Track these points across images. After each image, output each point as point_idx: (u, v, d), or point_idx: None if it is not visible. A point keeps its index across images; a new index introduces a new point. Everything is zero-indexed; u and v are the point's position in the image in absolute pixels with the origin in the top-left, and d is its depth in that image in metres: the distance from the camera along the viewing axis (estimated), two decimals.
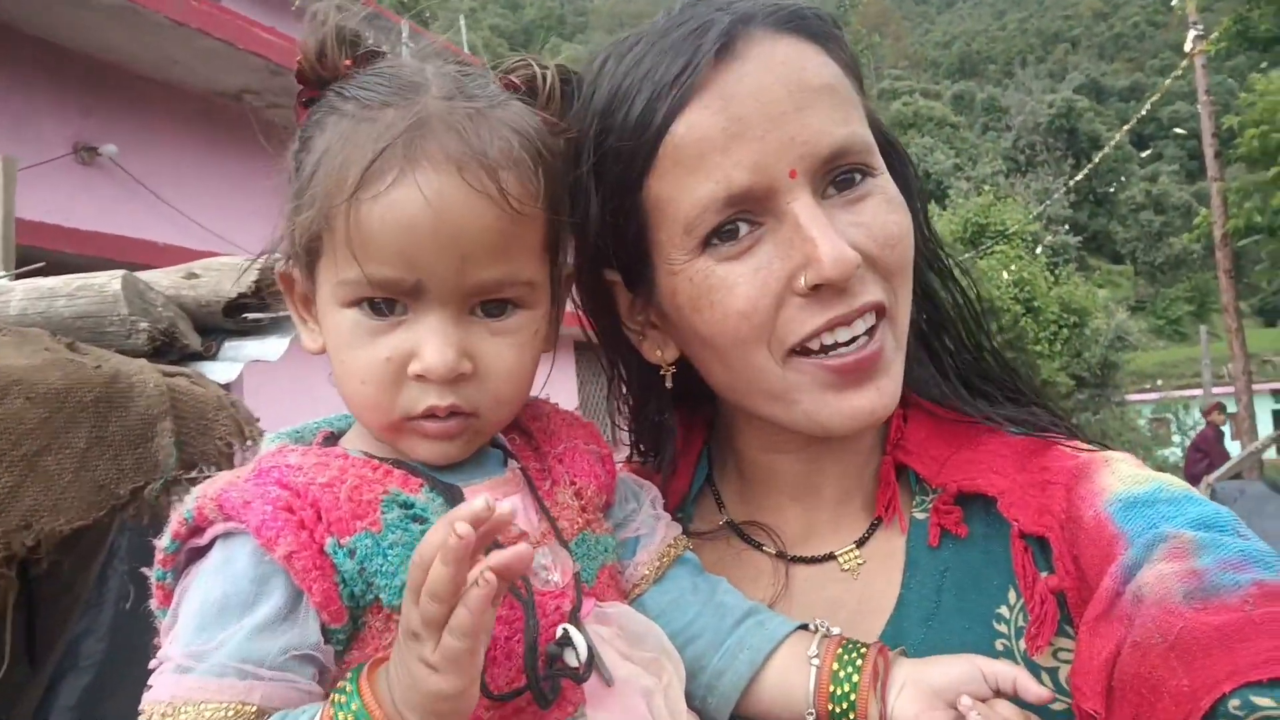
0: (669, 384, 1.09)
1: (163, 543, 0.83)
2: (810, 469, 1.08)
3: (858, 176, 0.95)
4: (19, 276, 2.79)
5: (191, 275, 2.55)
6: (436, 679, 0.69)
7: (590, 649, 0.84)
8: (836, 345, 0.93)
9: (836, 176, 0.94)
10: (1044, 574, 0.91)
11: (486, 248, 0.84)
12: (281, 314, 2.61)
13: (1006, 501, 0.96)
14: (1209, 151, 17.55)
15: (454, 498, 0.86)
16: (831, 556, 1.05)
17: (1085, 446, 1.00)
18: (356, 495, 0.82)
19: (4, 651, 1.75)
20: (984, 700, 0.85)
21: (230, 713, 0.73)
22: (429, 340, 0.85)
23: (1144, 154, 75.65)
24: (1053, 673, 0.90)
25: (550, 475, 0.97)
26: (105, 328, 2.30)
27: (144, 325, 2.29)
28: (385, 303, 0.85)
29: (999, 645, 0.93)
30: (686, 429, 1.19)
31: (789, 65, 0.93)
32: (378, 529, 0.81)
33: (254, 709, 0.74)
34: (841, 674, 0.90)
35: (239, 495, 0.80)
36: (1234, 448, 15.84)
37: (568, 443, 1.01)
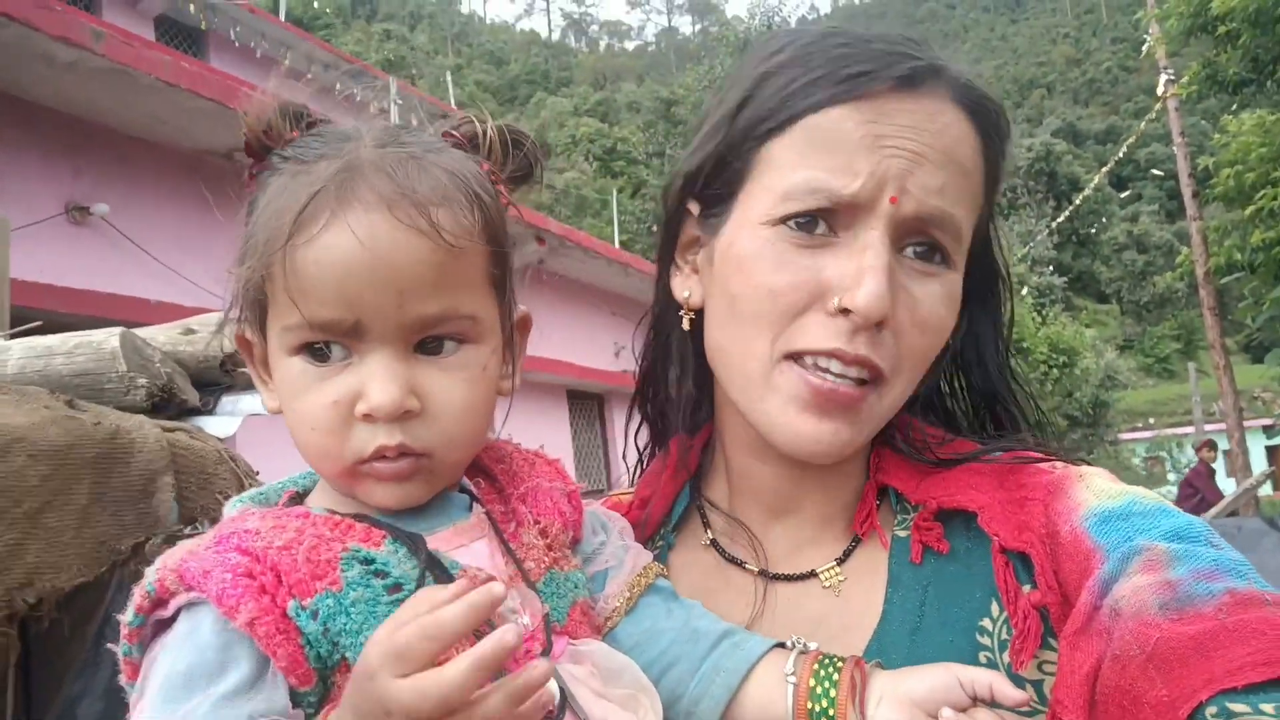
0: (686, 326, 1.13)
1: (127, 617, 0.82)
2: (791, 485, 1.10)
3: (938, 257, 0.99)
4: (15, 335, 2.79)
5: (189, 331, 2.57)
6: None
7: (563, 691, 0.83)
8: (827, 371, 0.97)
9: (917, 244, 0.98)
10: (1026, 588, 0.93)
11: (423, 282, 0.85)
12: None
13: (986, 517, 0.97)
14: (1187, 192, 17.83)
15: (417, 547, 0.86)
16: (813, 574, 1.06)
17: (1059, 462, 1.02)
18: (315, 555, 0.81)
19: (3, 713, 1.72)
20: (964, 710, 0.85)
21: None
22: (373, 379, 0.85)
23: (1123, 195, 76.78)
24: (1037, 685, 0.91)
25: (515, 517, 0.97)
26: (103, 385, 2.30)
27: (142, 381, 2.29)
28: (326, 346, 0.86)
29: (983, 658, 0.94)
30: (684, 451, 1.21)
31: (949, 130, 0.98)
32: (338, 588, 0.80)
33: None
34: (819, 689, 0.90)
35: (198, 565, 0.79)
36: (1229, 485, 15.83)
37: (530, 482, 1.01)
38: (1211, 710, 0.71)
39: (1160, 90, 18.38)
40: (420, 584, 0.82)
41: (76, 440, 1.83)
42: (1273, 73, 14.17)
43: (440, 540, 0.88)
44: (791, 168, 0.98)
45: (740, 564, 1.12)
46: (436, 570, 0.84)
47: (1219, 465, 15.44)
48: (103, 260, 7.73)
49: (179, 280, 7.91)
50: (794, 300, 0.97)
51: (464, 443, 0.92)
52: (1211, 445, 15.34)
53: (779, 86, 1.01)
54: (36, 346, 2.44)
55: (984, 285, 1.11)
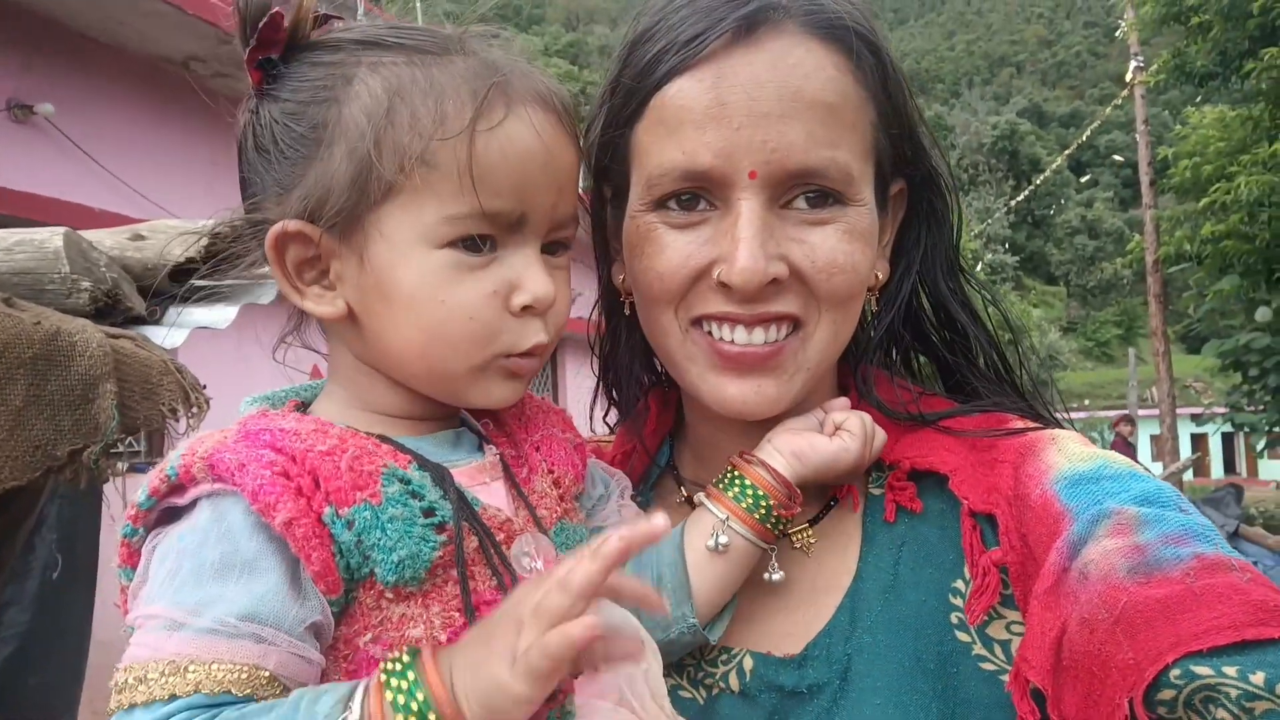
0: (627, 311, 1.12)
1: (138, 498, 0.80)
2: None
3: (829, 200, 0.97)
4: None
5: (138, 237, 2.46)
6: (507, 674, 0.68)
7: None
8: (728, 339, 0.98)
9: (805, 193, 0.96)
10: (992, 549, 0.94)
11: (569, 184, 0.91)
12: (231, 282, 2.54)
13: (958, 479, 0.98)
14: (1145, 179, 18.12)
15: (444, 479, 0.84)
16: (784, 535, 1.05)
17: (1033, 425, 1.02)
18: (358, 465, 0.79)
19: None
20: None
21: (244, 674, 0.71)
22: (530, 271, 0.86)
23: (1082, 179, 77.87)
24: (1005, 645, 0.92)
25: (527, 463, 0.96)
26: (44, 285, 2.20)
27: (86, 285, 2.20)
28: (481, 239, 0.85)
29: (954, 619, 0.95)
30: (660, 409, 1.20)
31: (797, 70, 0.93)
32: (378, 501, 0.78)
33: (267, 674, 0.72)
34: (724, 482, 0.99)
35: (233, 457, 0.77)
36: (1156, 468, 16.36)
37: (545, 430, 1.00)
38: (1176, 673, 0.72)
39: (1130, 76, 18.56)
40: (457, 518, 0.81)
41: (13, 339, 1.75)
42: (1238, 68, 14.37)
43: (461, 475, 0.87)
44: (651, 153, 0.97)
45: None
46: (464, 506, 0.83)
47: (1145, 448, 15.96)
48: (45, 162, 7.40)
49: (125, 189, 7.62)
50: (681, 277, 0.98)
51: (558, 340, 0.94)
52: (1129, 420, 15.81)
53: (634, 64, 0.99)
54: None
55: (923, 195, 1.09)
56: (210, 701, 0.70)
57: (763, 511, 0.97)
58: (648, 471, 1.19)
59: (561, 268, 0.93)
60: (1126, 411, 18.80)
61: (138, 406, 1.91)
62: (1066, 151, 25.62)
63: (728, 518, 0.97)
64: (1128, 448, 15.52)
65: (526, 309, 0.87)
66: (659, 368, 1.21)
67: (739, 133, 0.92)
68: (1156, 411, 19.87)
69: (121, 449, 2.12)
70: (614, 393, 1.22)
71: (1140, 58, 18.43)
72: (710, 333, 0.99)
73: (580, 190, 0.96)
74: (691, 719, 0.94)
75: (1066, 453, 0.94)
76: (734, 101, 0.92)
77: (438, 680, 0.70)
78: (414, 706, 0.69)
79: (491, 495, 0.89)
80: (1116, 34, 20.57)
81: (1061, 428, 1.04)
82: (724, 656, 1.00)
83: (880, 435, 1.03)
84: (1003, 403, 1.08)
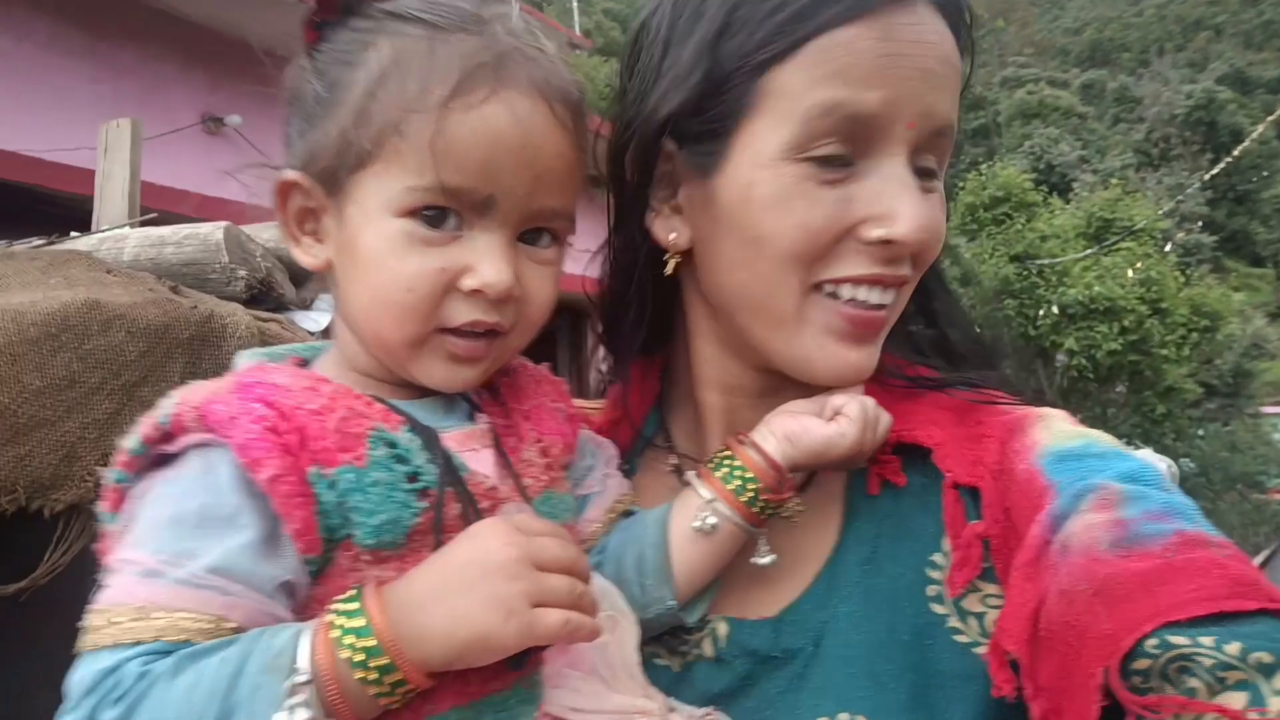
0: (669, 270, 1.06)
1: (129, 444, 0.79)
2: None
3: (936, 172, 0.98)
4: (140, 224, 2.95)
5: None
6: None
7: None
8: (859, 301, 0.95)
9: (929, 161, 0.96)
10: (973, 522, 0.93)
11: (555, 175, 0.88)
12: None
13: (942, 453, 0.97)
14: None
15: (432, 441, 0.84)
16: (773, 517, 1.01)
17: (1021, 403, 1.02)
18: (345, 427, 0.79)
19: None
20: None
21: (208, 624, 0.72)
22: (490, 257, 0.84)
23: None
24: (980, 618, 0.91)
25: (516, 432, 0.95)
26: (208, 274, 2.41)
27: (242, 273, 2.38)
28: (444, 213, 0.84)
29: (930, 591, 0.94)
30: (642, 378, 1.17)
31: (943, 40, 0.96)
32: (362, 464, 0.78)
33: (232, 626, 0.73)
34: (716, 461, 0.98)
35: (224, 409, 0.77)
36: None
37: (536, 400, 0.99)
38: (1153, 643, 0.72)
39: None
40: (441, 482, 0.81)
41: (173, 321, 1.92)
42: None
43: (451, 440, 0.86)
44: (805, 96, 0.92)
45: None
46: (450, 471, 0.83)
47: None
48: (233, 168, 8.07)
49: None
50: (829, 235, 0.94)
51: (533, 333, 0.93)
52: None
53: (770, 9, 0.94)
54: (151, 236, 2.56)
55: None
56: (171, 649, 0.70)
57: (750, 495, 0.95)
58: (634, 441, 1.16)
59: (545, 261, 0.91)
60: None
61: None
62: (1271, 118, 23.26)
63: (714, 498, 0.96)
64: None
65: (476, 293, 0.84)
66: (668, 335, 1.16)
67: (906, 83, 0.92)
68: None
69: None
70: (614, 356, 1.18)
71: None
72: (836, 295, 0.95)
73: (586, 177, 0.93)
74: (666, 687, 0.93)
75: (1053, 430, 0.94)
76: (904, 54, 0.92)
77: (377, 607, 0.73)
78: (357, 629, 0.72)
79: (479, 462, 0.88)
80: None
81: (1049, 407, 1.02)
82: (699, 624, 1.00)
83: (884, 420, 0.98)
84: (991, 376, 1.07)
